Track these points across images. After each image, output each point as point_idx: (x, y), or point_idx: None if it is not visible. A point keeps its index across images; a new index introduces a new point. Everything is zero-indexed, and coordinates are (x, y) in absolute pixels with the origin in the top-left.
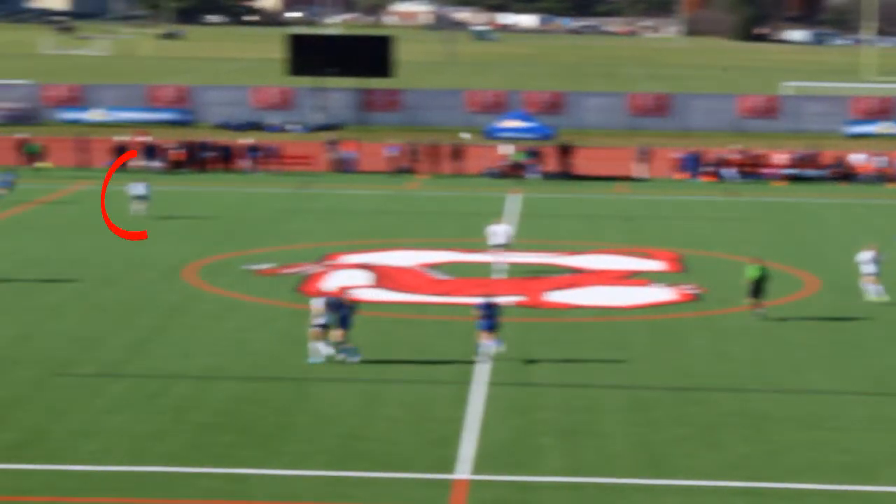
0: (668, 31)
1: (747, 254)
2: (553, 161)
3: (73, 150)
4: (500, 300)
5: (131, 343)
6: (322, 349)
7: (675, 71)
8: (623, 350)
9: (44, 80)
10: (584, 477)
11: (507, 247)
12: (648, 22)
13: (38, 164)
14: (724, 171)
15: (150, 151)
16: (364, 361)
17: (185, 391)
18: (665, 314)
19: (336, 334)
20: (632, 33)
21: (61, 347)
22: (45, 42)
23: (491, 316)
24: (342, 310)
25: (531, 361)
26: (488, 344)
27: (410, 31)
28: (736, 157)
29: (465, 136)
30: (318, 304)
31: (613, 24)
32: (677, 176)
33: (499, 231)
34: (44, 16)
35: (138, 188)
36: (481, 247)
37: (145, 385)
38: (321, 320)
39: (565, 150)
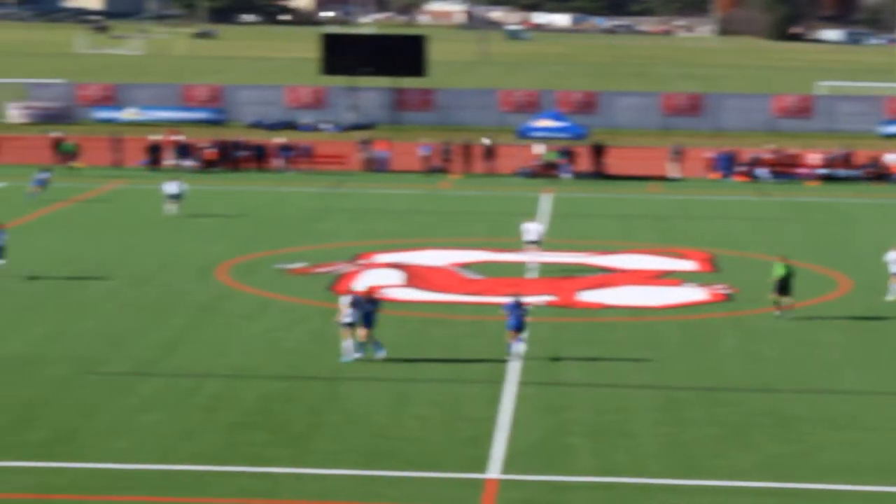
0: (701, 31)
1: (777, 253)
2: (586, 161)
3: (106, 149)
4: (529, 300)
5: (163, 342)
6: (352, 348)
7: (709, 70)
8: (654, 350)
9: (78, 80)
10: (614, 477)
11: (538, 244)
12: (682, 21)
13: (71, 164)
14: (758, 171)
15: (183, 150)
16: (395, 360)
17: (216, 390)
18: (696, 314)
19: (360, 333)
20: (665, 33)
21: (93, 346)
22: (80, 41)
23: (517, 315)
24: (365, 307)
25: (562, 360)
26: (517, 343)
27: (443, 31)
28: (770, 157)
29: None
30: (344, 302)
31: (647, 24)
32: (711, 176)
33: (531, 228)
34: (79, 15)
35: (172, 187)
36: (513, 246)
37: (177, 384)
38: (348, 318)
39: (598, 150)
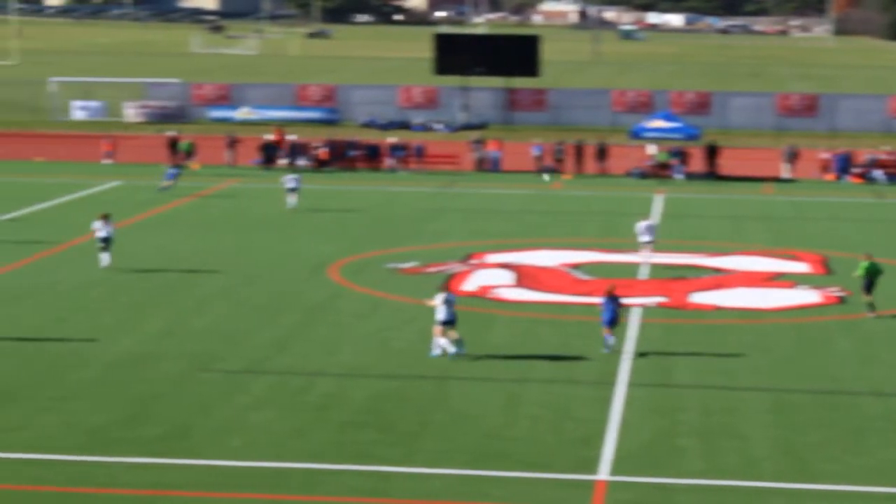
0: (817, 31)
1: (878, 254)
2: (699, 161)
3: (221, 147)
4: (641, 301)
5: (275, 340)
6: (450, 346)
7: (825, 71)
8: (766, 352)
9: (194, 79)
10: (724, 480)
11: (653, 245)
12: (798, 21)
13: (187, 164)
14: (874, 173)
15: (294, 150)
16: (505, 360)
17: (327, 389)
18: (809, 317)
19: (440, 330)
20: (781, 33)
21: (206, 343)
22: (196, 41)
23: (612, 310)
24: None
25: (673, 360)
26: (609, 338)
27: (557, 31)
28: (886, 158)
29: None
30: (437, 300)
31: (762, 24)
32: (827, 177)
33: (645, 228)
34: (194, 15)
35: (290, 181)
36: (624, 247)
37: (289, 382)
38: (441, 316)
39: (712, 151)
